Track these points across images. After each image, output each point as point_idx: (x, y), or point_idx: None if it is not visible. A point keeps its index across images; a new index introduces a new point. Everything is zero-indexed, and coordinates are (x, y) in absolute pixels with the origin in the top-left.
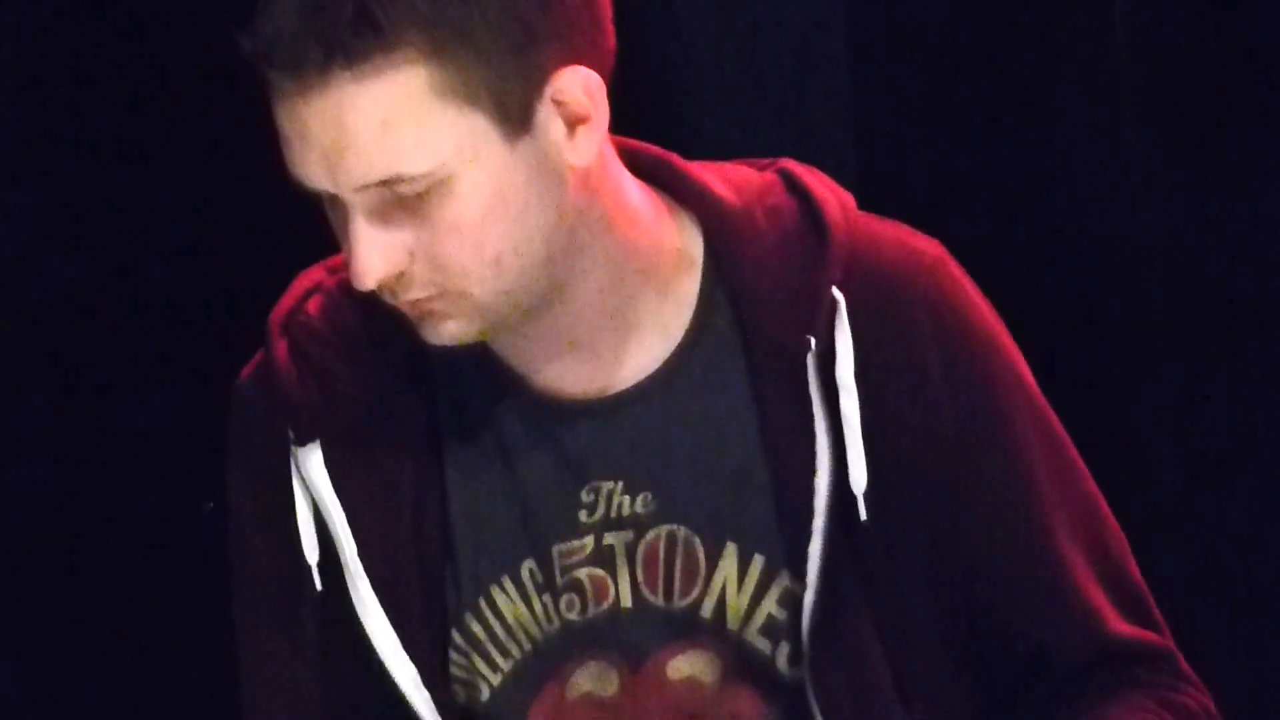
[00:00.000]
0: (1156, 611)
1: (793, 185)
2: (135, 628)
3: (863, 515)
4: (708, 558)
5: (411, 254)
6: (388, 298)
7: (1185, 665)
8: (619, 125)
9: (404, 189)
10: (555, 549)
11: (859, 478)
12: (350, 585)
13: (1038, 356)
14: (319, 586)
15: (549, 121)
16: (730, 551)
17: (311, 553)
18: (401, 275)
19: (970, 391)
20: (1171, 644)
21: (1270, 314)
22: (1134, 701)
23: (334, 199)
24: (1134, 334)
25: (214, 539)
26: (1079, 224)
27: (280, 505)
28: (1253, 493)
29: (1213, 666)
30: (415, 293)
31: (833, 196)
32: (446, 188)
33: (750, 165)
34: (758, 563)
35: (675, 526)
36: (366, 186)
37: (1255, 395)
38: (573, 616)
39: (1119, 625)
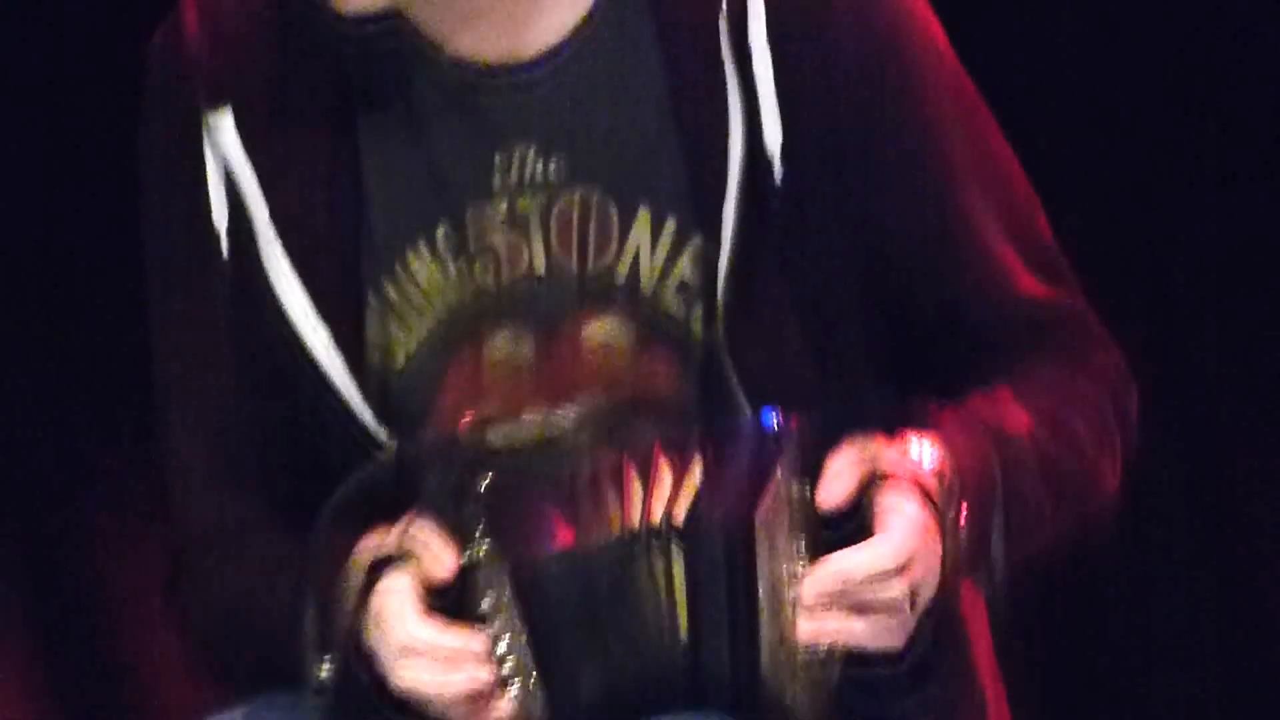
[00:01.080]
0: (1067, 270)
1: None
2: None
3: (777, 176)
4: (621, 221)
5: None
6: None
7: (1095, 322)
8: None
9: None
10: (469, 213)
11: (772, 139)
12: (261, 251)
13: None
14: (226, 254)
15: None
16: (643, 215)
17: (220, 218)
18: None
19: (882, 52)
20: (1082, 301)
21: None
22: (1042, 359)
23: None
24: None
25: None
26: None
27: (191, 172)
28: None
29: None
30: None
31: None
32: None
33: None
34: (671, 225)
35: (588, 190)
36: None
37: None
38: (487, 281)
39: (1030, 285)
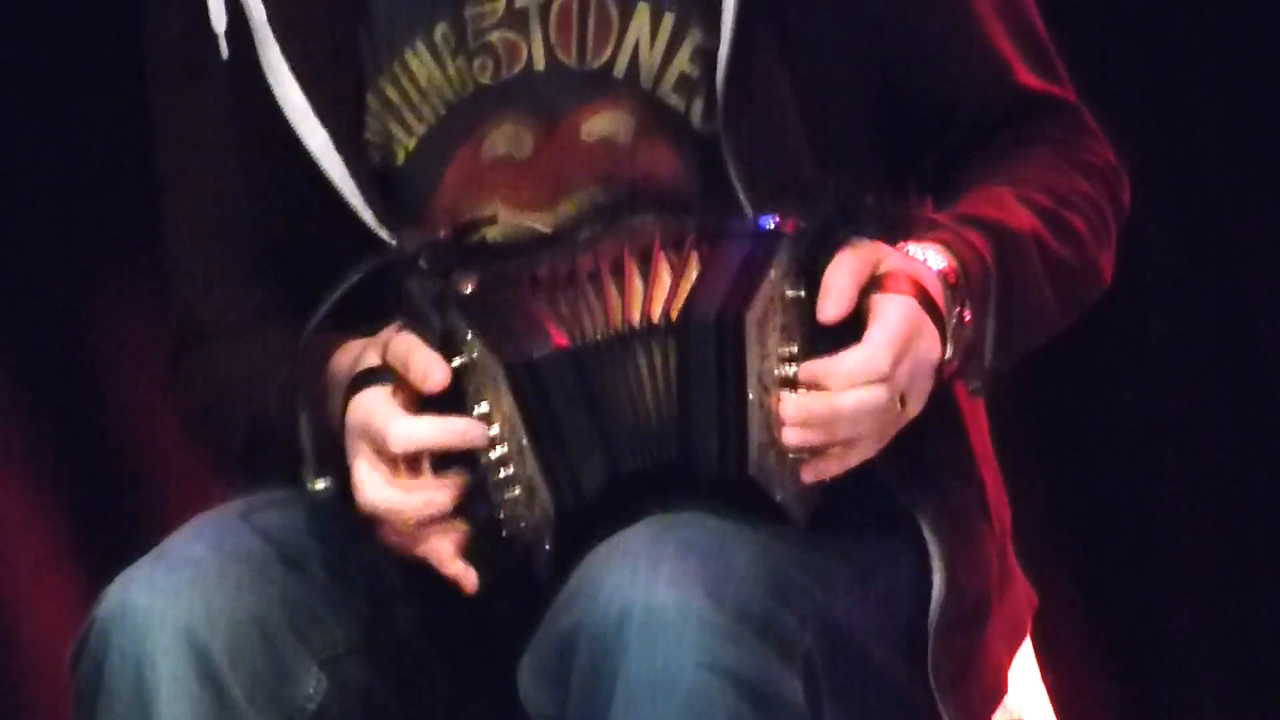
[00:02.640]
0: (1061, 68)
1: None
2: None
3: None
4: (620, 15)
5: None
6: None
7: (1089, 118)
8: None
9: None
10: (468, 11)
11: None
12: (261, 53)
13: None
14: (225, 55)
15: None
16: (642, 8)
17: (219, 19)
18: None
19: None
20: (1074, 97)
21: None
22: (1040, 154)
23: None
24: None
25: None
26: None
27: None
28: None
29: None
30: None
31: None
32: None
33: None
34: (669, 19)
35: None
36: None
37: None
38: (486, 79)
39: (1027, 77)
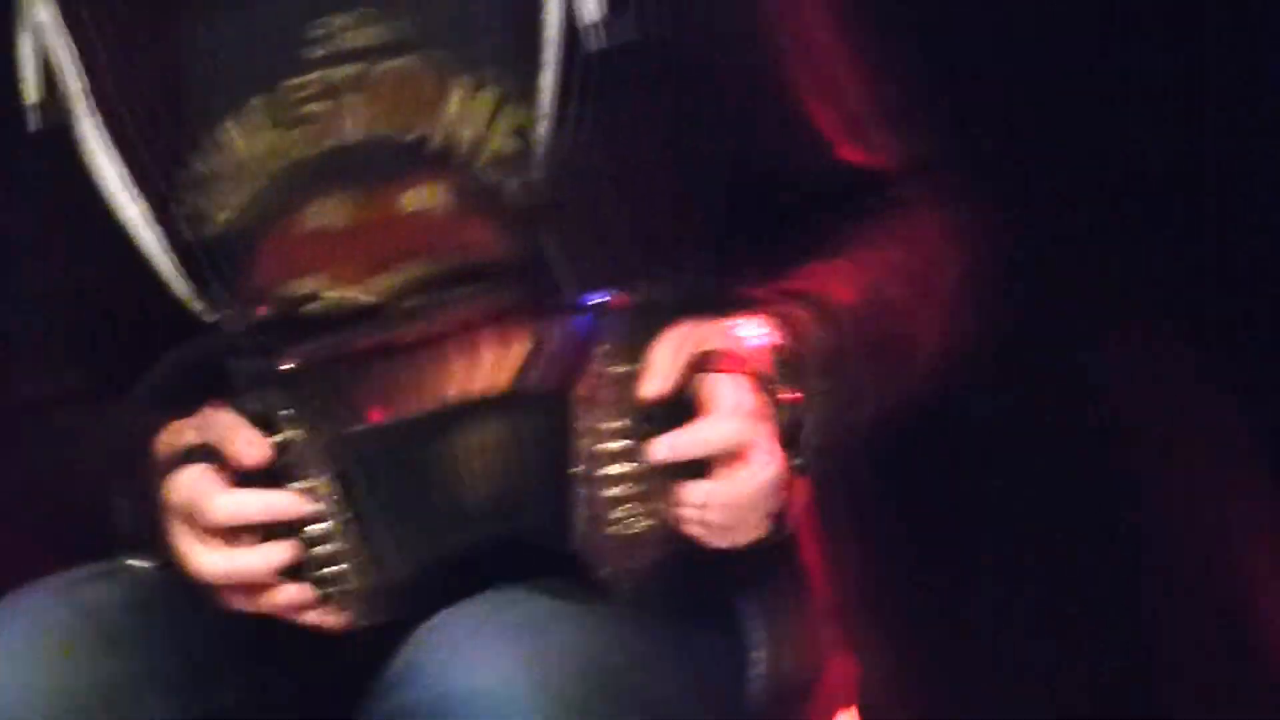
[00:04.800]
0: (886, 140)
1: None
2: None
3: (593, 46)
4: (439, 90)
5: None
6: None
7: (913, 191)
8: None
9: None
10: (285, 83)
11: (590, 8)
12: (78, 124)
13: None
14: (39, 124)
15: None
16: (461, 84)
17: (34, 88)
18: None
19: None
20: (899, 171)
21: None
22: (866, 229)
23: None
24: None
25: None
26: None
27: (2, 44)
28: None
29: None
30: None
31: None
32: None
33: None
34: (489, 95)
35: (405, 59)
36: None
37: None
38: (303, 151)
39: (850, 153)
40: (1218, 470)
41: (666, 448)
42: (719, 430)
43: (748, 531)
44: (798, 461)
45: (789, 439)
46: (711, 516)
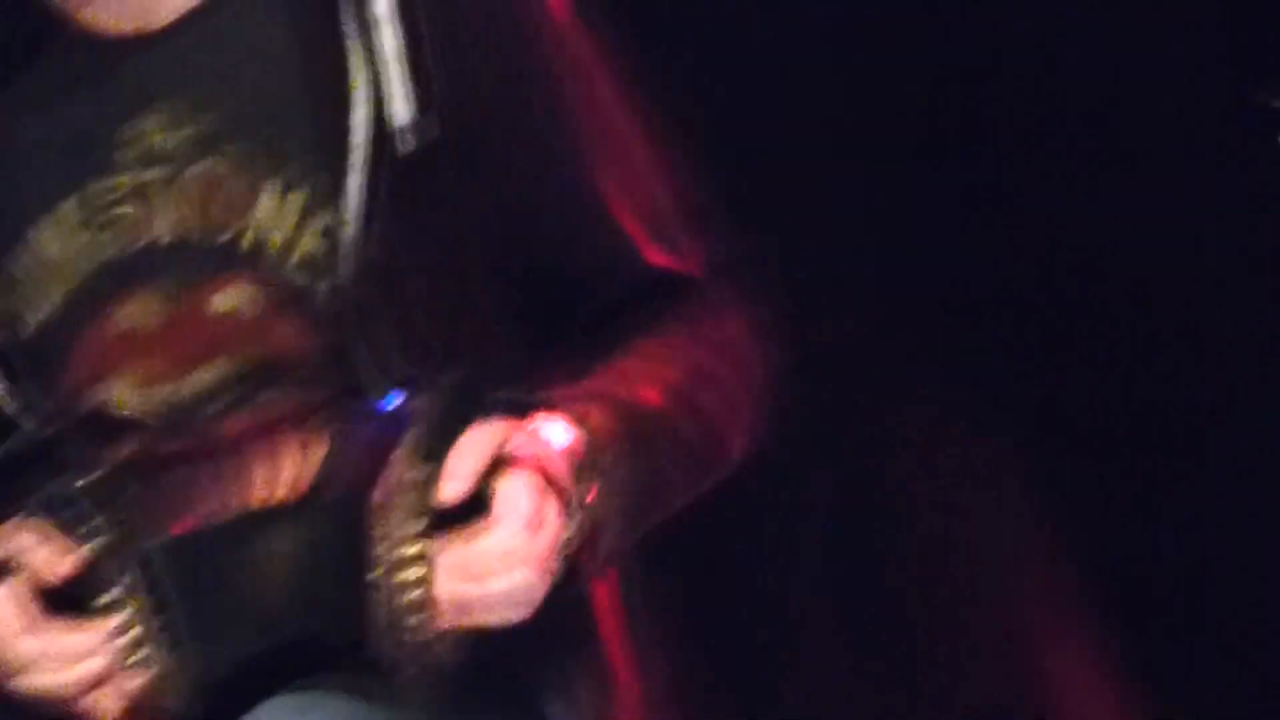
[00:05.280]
0: (692, 243)
1: None
2: None
3: (402, 149)
4: (248, 192)
5: None
6: None
7: (719, 294)
8: None
9: None
10: (94, 185)
11: (398, 112)
12: None
13: None
14: None
15: None
16: (271, 186)
17: None
18: None
19: (513, 25)
20: (704, 275)
21: None
22: (671, 331)
23: None
24: None
25: None
26: None
27: None
28: None
29: None
30: None
31: None
32: None
33: None
34: (298, 197)
35: (216, 161)
36: None
37: None
38: (113, 252)
39: (655, 256)
40: (1016, 562)
41: (427, 552)
42: (499, 538)
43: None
44: (596, 558)
45: (588, 537)
46: (492, 614)
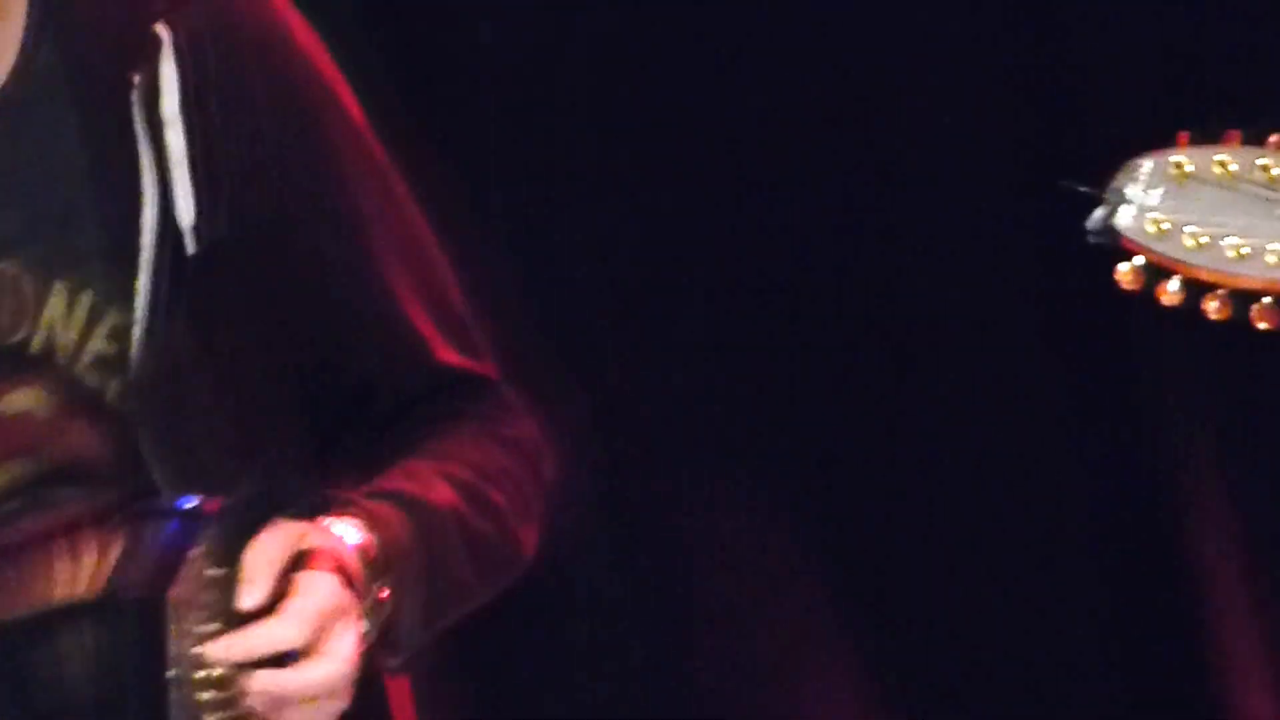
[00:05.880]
0: (484, 342)
1: None
2: None
3: (190, 249)
4: (36, 294)
5: None
6: None
7: (509, 393)
8: None
9: None
10: None
11: (185, 212)
12: None
13: None
14: None
15: None
16: (60, 288)
17: None
18: None
19: (299, 125)
20: (495, 373)
21: None
22: (461, 430)
23: None
24: None
25: None
26: None
27: None
28: None
29: None
30: None
31: None
32: None
33: None
34: (87, 298)
35: (5, 261)
36: None
37: None
38: None
39: (447, 355)
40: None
41: (223, 649)
42: (283, 631)
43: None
44: (392, 655)
45: (382, 634)
46: (289, 713)
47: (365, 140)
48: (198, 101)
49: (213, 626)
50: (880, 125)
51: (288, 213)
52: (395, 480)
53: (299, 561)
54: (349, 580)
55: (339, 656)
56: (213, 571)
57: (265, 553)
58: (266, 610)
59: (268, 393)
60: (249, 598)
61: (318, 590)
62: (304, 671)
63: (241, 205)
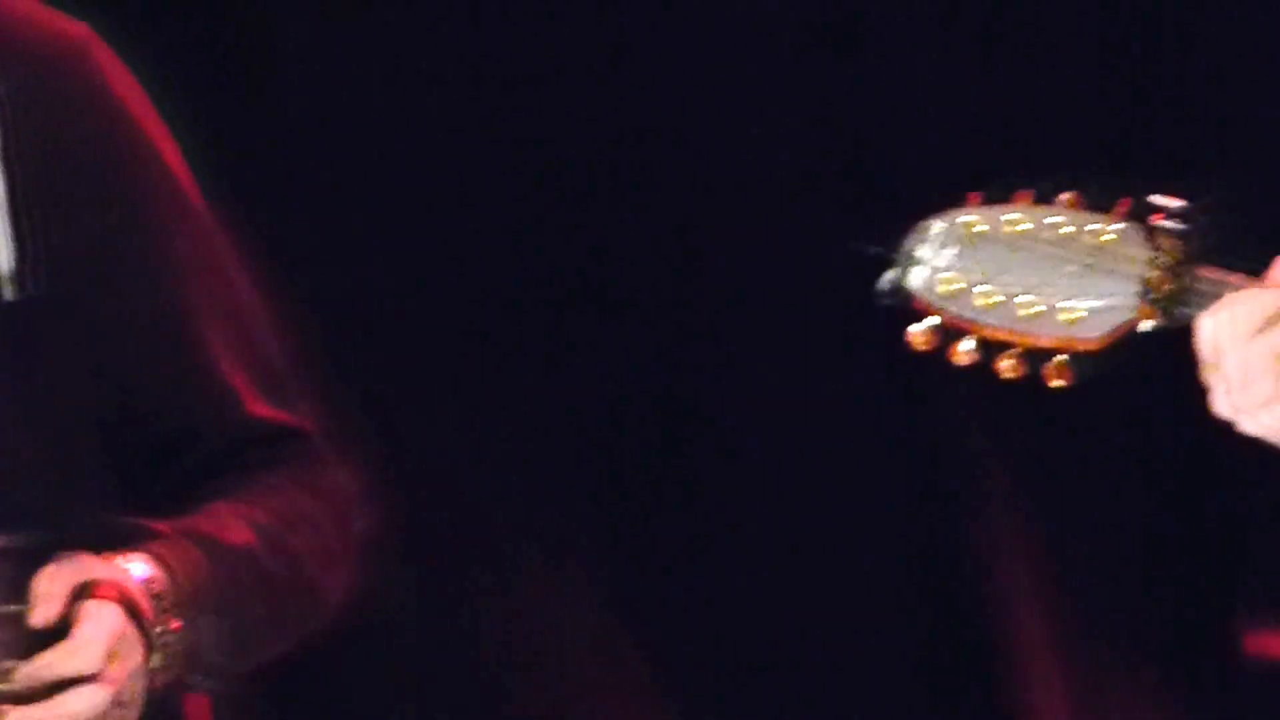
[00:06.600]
0: (299, 394)
1: None
2: None
3: (7, 295)
4: None
5: None
6: None
7: (322, 444)
8: None
9: None
10: None
11: (3, 260)
12: None
13: None
14: None
15: None
16: None
17: None
18: None
19: (119, 176)
20: (309, 425)
21: None
22: (269, 478)
23: None
24: None
25: None
26: None
27: None
28: None
29: None
30: None
31: None
32: None
33: None
34: None
35: None
36: None
37: None
38: None
39: (258, 406)
40: None
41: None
42: (81, 661)
43: None
44: (204, 686)
45: (180, 668)
46: None
47: (184, 195)
48: (19, 153)
49: (10, 662)
50: (670, 189)
51: (102, 266)
52: (195, 520)
53: (87, 591)
54: (136, 612)
55: (119, 683)
56: (7, 608)
57: (51, 580)
58: (50, 639)
59: (77, 437)
60: (38, 618)
61: (104, 619)
62: (86, 698)
63: (58, 255)
